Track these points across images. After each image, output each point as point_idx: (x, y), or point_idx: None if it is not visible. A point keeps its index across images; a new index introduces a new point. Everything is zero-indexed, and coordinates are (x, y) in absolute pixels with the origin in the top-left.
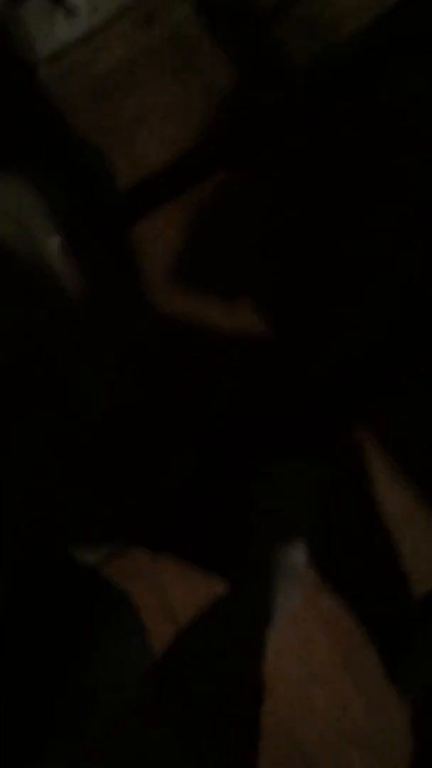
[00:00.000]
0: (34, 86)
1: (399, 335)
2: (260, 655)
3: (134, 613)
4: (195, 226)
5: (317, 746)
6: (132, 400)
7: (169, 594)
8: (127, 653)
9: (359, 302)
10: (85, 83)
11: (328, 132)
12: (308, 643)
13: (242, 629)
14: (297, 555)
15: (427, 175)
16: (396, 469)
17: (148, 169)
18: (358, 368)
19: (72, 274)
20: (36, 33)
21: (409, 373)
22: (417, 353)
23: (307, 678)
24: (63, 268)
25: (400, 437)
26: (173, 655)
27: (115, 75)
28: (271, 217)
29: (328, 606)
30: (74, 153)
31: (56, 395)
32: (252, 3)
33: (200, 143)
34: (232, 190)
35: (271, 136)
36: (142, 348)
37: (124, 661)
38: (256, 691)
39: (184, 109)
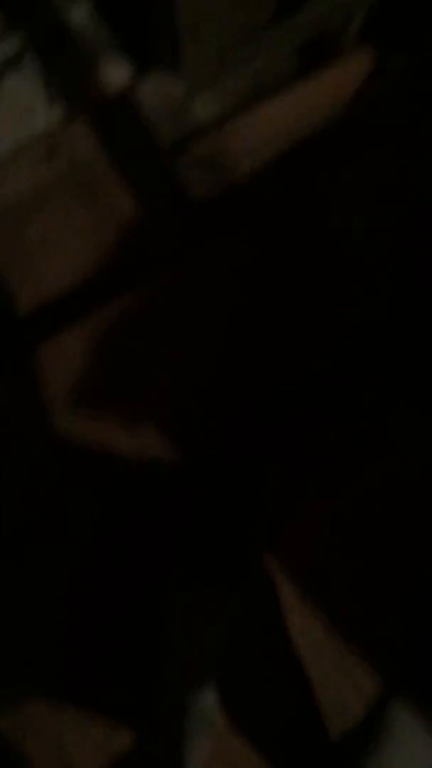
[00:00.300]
0: None
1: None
2: None
3: None
4: (98, 349)
5: None
6: (30, 524)
7: (71, 754)
8: None
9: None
10: None
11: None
12: None
13: None
14: (206, 699)
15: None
16: (305, 599)
17: (50, 293)
18: (257, 496)
19: None
20: None
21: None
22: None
23: None
24: None
25: (308, 564)
26: None
27: (19, 204)
28: (173, 338)
29: (238, 751)
30: None
31: None
32: (153, 139)
33: (102, 268)
34: (133, 313)
35: (170, 259)
36: (41, 473)
37: None
38: None
39: (86, 236)
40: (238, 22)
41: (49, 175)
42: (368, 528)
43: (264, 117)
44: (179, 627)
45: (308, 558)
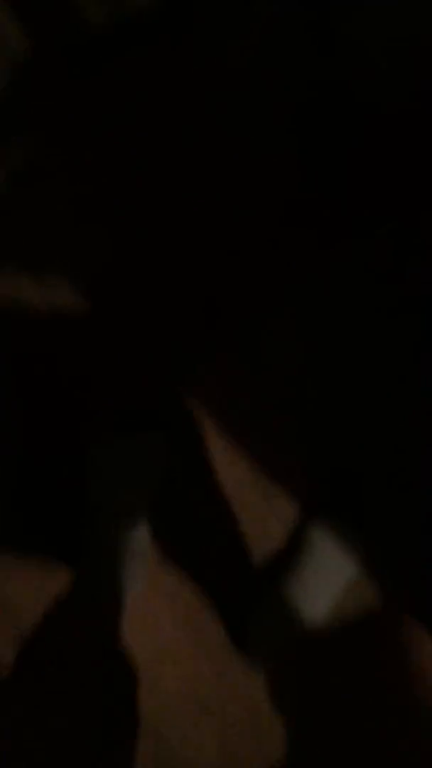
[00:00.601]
0: None
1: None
2: (112, 641)
3: None
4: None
5: (168, 719)
6: None
7: (7, 589)
8: None
9: (174, 277)
10: None
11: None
12: (155, 621)
13: (90, 617)
14: (139, 534)
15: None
16: (228, 436)
17: None
18: (181, 340)
19: None
20: None
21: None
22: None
23: (156, 654)
24: None
25: (229, 404)
26: (24, 656)
27: None
28: (78, 186)
29: (171, 582)
30: None
31: None
32: None
33: None
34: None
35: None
36: None
37: None
38: (113, 676)
39: None
40: None
41: None
42: (286, 370)
43: None
44: (109, 468)
45: (229, 399)
